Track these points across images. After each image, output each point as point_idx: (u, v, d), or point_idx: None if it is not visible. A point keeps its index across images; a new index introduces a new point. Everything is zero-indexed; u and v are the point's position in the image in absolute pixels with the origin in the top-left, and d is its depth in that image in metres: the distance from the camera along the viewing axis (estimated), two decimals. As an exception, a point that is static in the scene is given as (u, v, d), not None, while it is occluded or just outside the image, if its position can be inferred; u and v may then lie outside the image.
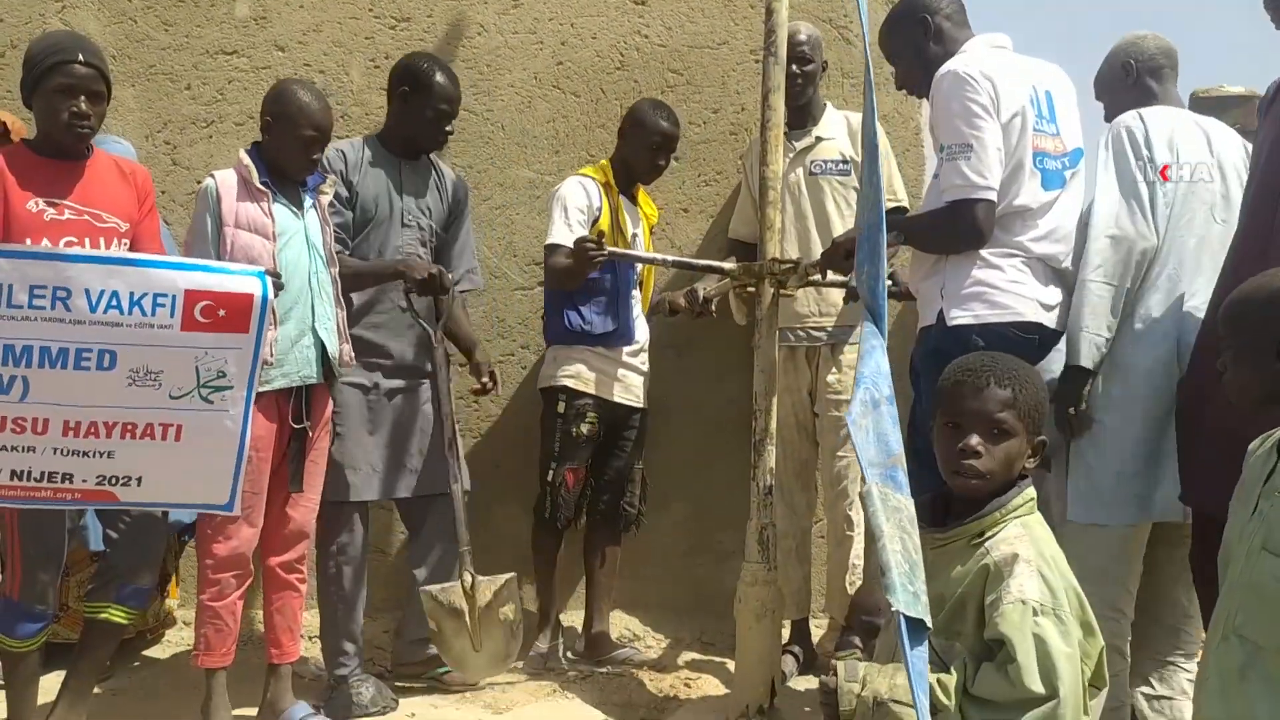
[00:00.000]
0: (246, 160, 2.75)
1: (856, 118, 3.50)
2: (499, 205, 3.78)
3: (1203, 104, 3.92)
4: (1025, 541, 1.79)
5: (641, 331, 3.49)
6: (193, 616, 2.88)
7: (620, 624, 3.67)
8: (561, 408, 3.34)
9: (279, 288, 2.56)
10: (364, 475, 3.02)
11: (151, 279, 2.33)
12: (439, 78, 3.10)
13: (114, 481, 2.40)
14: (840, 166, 3.46)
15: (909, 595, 1.58)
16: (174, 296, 2.34)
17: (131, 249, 2.56)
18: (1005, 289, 2.55)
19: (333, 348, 2.78)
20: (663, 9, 3.83)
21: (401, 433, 3.10)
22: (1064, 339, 2.64)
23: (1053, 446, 2.84)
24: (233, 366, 2.43)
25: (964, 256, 2.59)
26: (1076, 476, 2.70)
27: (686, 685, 3.26)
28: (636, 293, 3.49)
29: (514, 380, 3.79)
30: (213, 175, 2.74)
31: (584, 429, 3.34)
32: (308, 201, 2.83)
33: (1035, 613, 1.71)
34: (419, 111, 3.10)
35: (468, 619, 2.90)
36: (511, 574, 2.97)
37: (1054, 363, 2.68)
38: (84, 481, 2.38)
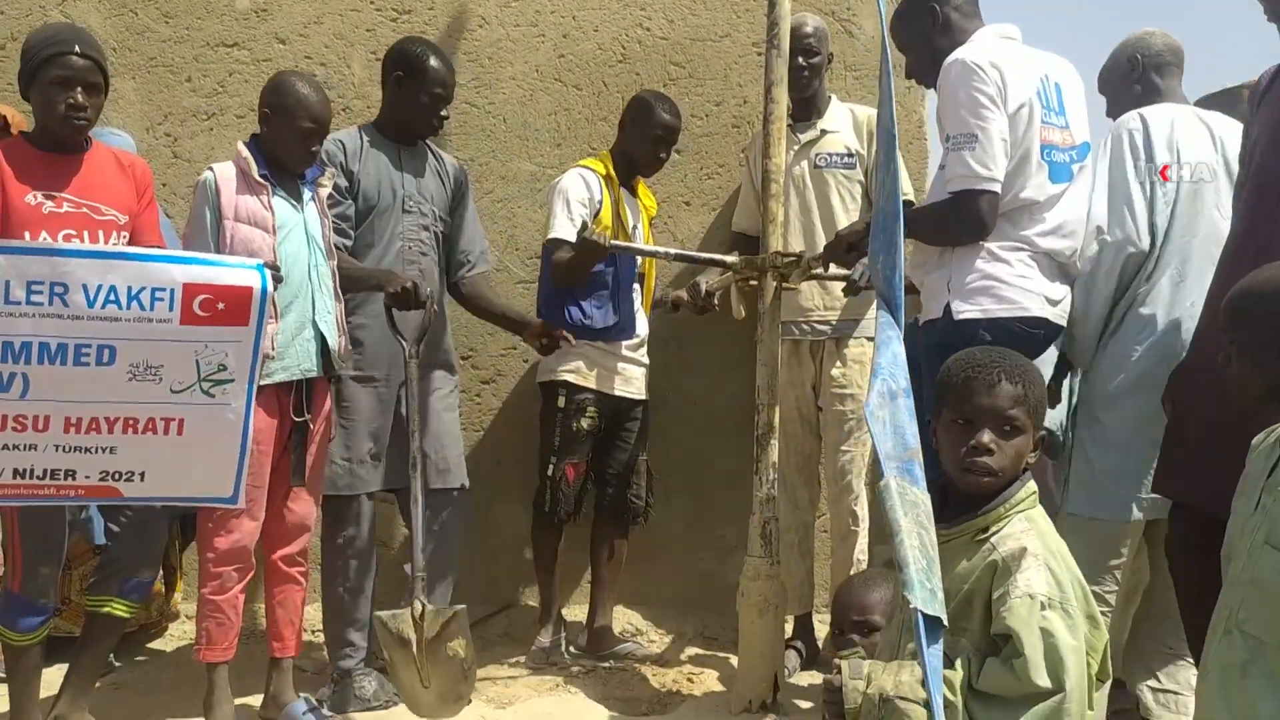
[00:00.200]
0: (245, 153, 2.74)
1: (861, 110, 3.49)
2: (500, 198, 3.77)
3: (1212, 100, 3.92)
4: (1032, 535, 1.79)
5: (642, 325, 3.47)
6: (194, 610, 2.88)
7: (623, 619, 3.67)
8: (561, 402, 3.33)
9: (278, 281, 2.55)
10: (369, 467, 3.01)
11: (149, 273, 2.32)
12: (433, 62, 3.07)
13: (117, 477, 2.40)
14: (845, 160, 3.44)
15: (926, 592, 1.56)
16: (172, 290, 2.33)
17: (131, 241, 2.55)
18: (1013, 284, 2.54)
19: (333, 341, 2.78)
20: (665, 1, 3.82)
21: (404, 425, 3.07)
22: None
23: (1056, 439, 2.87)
24: (233, 359, 2.42)
25: (970, 249, 2.57)
26: (1077, 470, 2.72)
27: (689, 680, 3.25)
28: (637, 286, 3.47)
29: (515, 374, 3.78)
30: (211, 168, 2.73)
31: (584, 424, 3.33)
32: (307, 194, 2.82)
33: (1043, 607, 1.70)
34: (413, 96, 3.07)
35: (415, 650, 2.65)
36: (462, 606, 2.70)
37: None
38: (87, 478, 2.37)
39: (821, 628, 3.54)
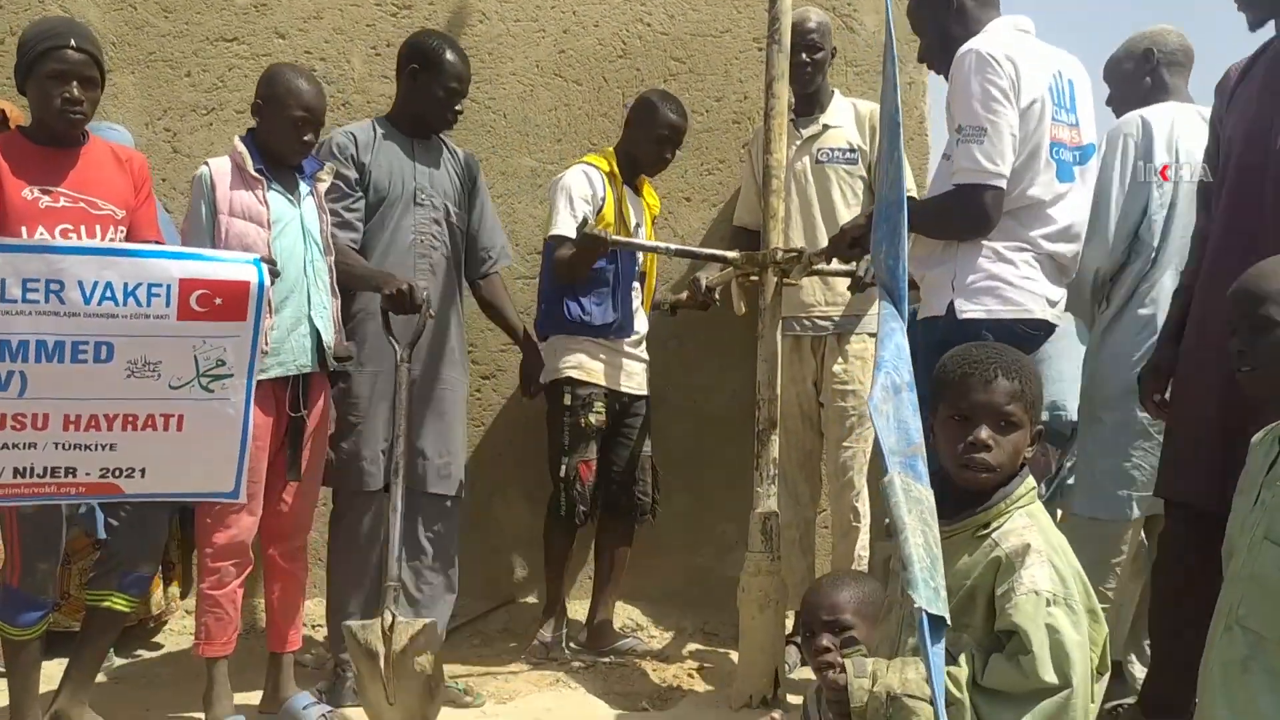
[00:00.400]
0: (241, 147, 2.73)
1: (864, 105, 3.48)
2: (501, 194, 3.76)
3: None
4: (1034, 531, 1.78)
5: (641, 323, 3.46)
6: (193, 605, 2.88)
7: (623, 614, 3.67)
8: (568, 399, 3.30)
9: (275, 276, 2.54)
10: (379, 464, 2.97)
11: (145, 269, 2.31)
12: (449, 55, 3.06)
13: (118, 474, 2.39)
14: (847, 155, 3.42)
15: (931, 591, 1.56)
16: (169, 286, 2.32)
17: (128, 236, 2.55)
18: (1018, 285, 2.53)
19: (328, 336, 2.77)
20: (665, -4, 3.81)
21: (415, 422, 3.02)
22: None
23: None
24: (232, 355, 2.42)
25: (975, 248, 2.55)
26: (1081, 470, 2.73)
27: (690, 676, 3.25)
28: (638, 285, 3.46)
29: (516, 370, 3.77)
30: (207, 163, 2.72)
31: (592, 419, 3.29)
32: (304, 189, 2.81)
33: (1048, 603, 1.69)
34: (428, 89, 3.06)
35: (381, 664, 2.52)
36: (432, 619, 2.60)
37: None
38: (88, 475, 2.36)
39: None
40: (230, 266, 2.42)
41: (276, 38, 3.72)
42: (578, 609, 3.61)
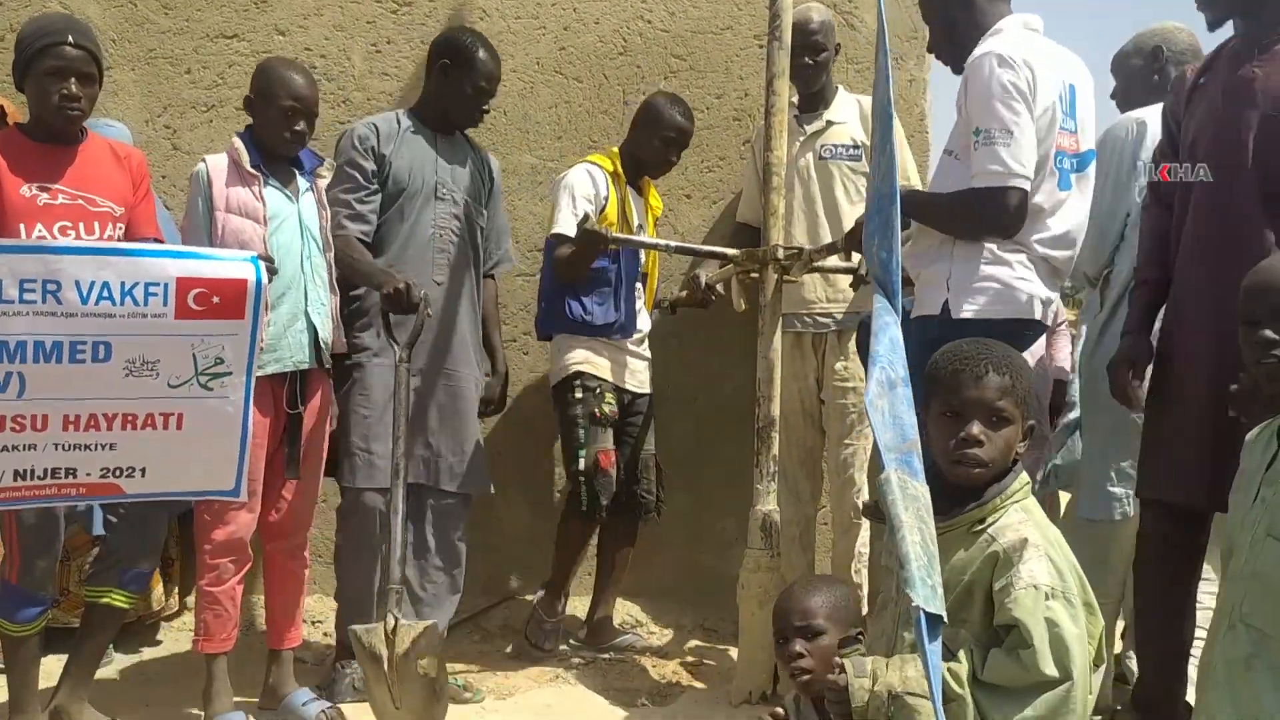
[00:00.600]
0: (238, 144, 2.73)
1: (869, 102, 3.46)
2: (501, 191, 3.75)
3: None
4: (1030, 526, 1.79)
5: (643, 322, 3.46)
6: (193, 602, 2.88)
7: (623, 611, 3.67)
8: (579, 393, 3.26)
9: (272, 273, 2.53)
10: (388, 460, 2.96)
11: (142, 268, 2.31)
12: (481, 54, 3.05)
13: (118, 473, 2.39)
14: (851, 151, 3.42)
15: (928, 589, 1.55)
16: (166, 285, 2.32)
17: (127, 233, 2.55)
18: (1014, 286, 2.52)
19: (325, 333, 2.77)
20: (666, -7, 3.80)
21: (422, 420, 3.01)
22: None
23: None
24: (230, 353, 2.42)
25: (971, 247, 2.53)
26: (1080, 472, 2.75)
27: (689, 672, 3.25)
28: (640, 286, 3.45)
29: (515, 366, 3.77)
30: (204, 160, 2.73)
31: (605, 409, 3.26)
32: (303, 185, 2.81)
33: (1047, 597, 1.70)
34: (458, 86, 3.04)
35: (385, 666, 2.51)
36: (433, 621, 2.59)
37: None
38: (88, 475, 2.36)
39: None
40: (228, 265, 2.42)
41: (277, 34, 3.72)
42: (578, 606, 3.61)
